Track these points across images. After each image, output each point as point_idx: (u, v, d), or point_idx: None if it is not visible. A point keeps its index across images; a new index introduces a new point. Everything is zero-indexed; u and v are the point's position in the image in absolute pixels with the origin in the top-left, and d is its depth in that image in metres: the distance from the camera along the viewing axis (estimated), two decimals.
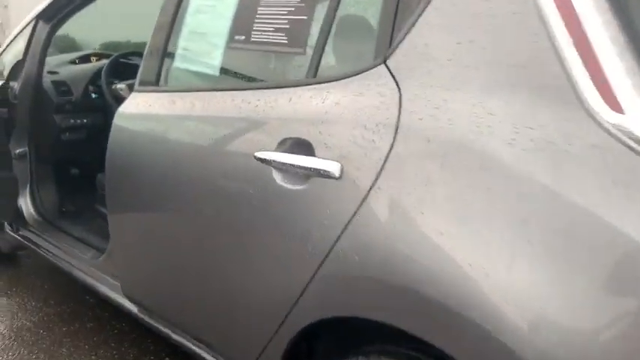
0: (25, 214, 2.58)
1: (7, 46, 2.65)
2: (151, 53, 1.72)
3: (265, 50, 1.47)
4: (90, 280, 2.17)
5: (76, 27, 2.74)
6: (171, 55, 1.69)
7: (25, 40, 2.45)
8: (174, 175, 1.54)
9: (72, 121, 2.63)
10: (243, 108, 1.38)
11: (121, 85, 2.40)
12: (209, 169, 1.44)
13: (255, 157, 1.29)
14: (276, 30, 1.39)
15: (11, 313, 2.48)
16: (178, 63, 1.69)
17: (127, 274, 1.92)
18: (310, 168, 1.18)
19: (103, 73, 2.59)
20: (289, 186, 1.23)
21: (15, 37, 2.57)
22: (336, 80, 1.21)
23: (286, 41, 1.37)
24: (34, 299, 2.60)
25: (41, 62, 2.43)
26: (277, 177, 1.26)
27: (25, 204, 2.60)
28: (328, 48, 1.30)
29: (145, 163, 1.66)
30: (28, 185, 2.62)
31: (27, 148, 2.56)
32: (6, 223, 2.62)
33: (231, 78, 1.63)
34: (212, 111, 1.47)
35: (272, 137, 1.28)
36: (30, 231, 2.56)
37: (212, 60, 1.58)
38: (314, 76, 1.29)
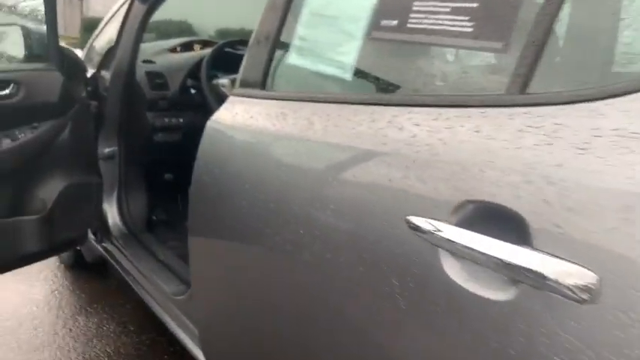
0: (109, 223, 2.25)
1: (102, 29, 2.33)
2: (257, 44, 1.25)
3: (432, 44, 0.93)
4: (167, 319, 1.77)
5: (191, 9, 2.35)
6: (285, 47, 1.20)
7: (119, 23, 2.10)
8: (284, 214, 1.05)
9: (166, 120, 2.25)
10: (389, 136, 0.85)
11: (222, 81, 1.98)
12: (332, 217, 0.93)
13: (407, 222, 0.77)
14: (454, 12, 0.85)
15: (87, 337, 2.15)
16: (294, 59, 1.19)
17: (207, 323, 1.48)
18: (522, 268, 0.64)
19: (203, 64, 2.18)
20: (468, 287, 0.70)
21: (109, 18, 2.24)
22: (584, 100, 0.66)
23: (473, 29, 0.82)
24: (114, 322, 2.27)
25: (135, 49, 2.06)
26: (447, 264, 0.73)
27: (111, 211, 2.27)
28: (556, 41, 0.75)
29: (241, 189, 1.19)
30: (116, 190, 2.28)
31: (116, 148, 2.22)
32: (90, 232, 2.30)
33: (372, 85, 1.11)
34: (339, 134, 0.96)
35: (442, 195, 0.75)
36: (113, 244, 2.22)
37: (343, 56, 1.07)
38: (524, 90, 0.73)
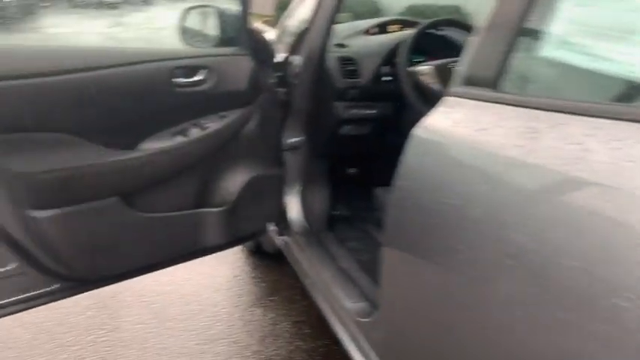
0: (290, 217, 2.13)
1: (294, 8, 2.18)
2: (491, 29, 0.94)
3: None
4: (343, 336, 1.58)
5: None
6: (537, 35, 0.87)
7: (313, 1, 1.92)
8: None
9: (355, 111, 2.04)
10: None
11: (422, 68, 1.69)
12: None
13: None
14: None
15: (261, 335, 2.07)
16: (552, 51, 0.86)
17: (394, 353, 1.26)
18: None
19: (402, 49, 1.90)
20: None
21: None
22: None
23: None
24: (289, 321, 2.17)
25: (327, 32, 1.86)
26: None
27: (292, 205, 2.14)
28: None
29: (460, 212, 0.91)
30: (299, 183, 2.14)
31: (301, 139, 2.07)
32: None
33: None
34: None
35: None
36: (292, 239, 2.10)
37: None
38: None
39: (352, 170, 2.35)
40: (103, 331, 2.05)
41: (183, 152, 1.56)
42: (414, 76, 1.77)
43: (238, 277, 2.51)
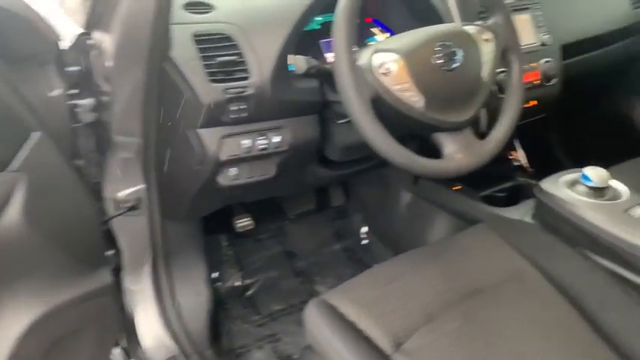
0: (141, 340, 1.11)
1: None
2: None
3: None
4: None
5: None
6: None
7: None
8: None
9: (246, 142, 1.01)
10: None
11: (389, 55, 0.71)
12: None
13: None
14: None
15: None
16: None
17: None
18: None
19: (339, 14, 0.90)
20: None
21: None
22: None
23: None
24: None
25: None
26: None
27: (142, 316, 1.12)
28: None
29: None
30: (147, 268, 1.12)
31: (142, 188, 1.03)
32: None
33: None
34: None
35: None
36: None
37: None
38: None
39: (244, 222, 1.36)
40: None
41: None
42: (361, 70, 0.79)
43: None
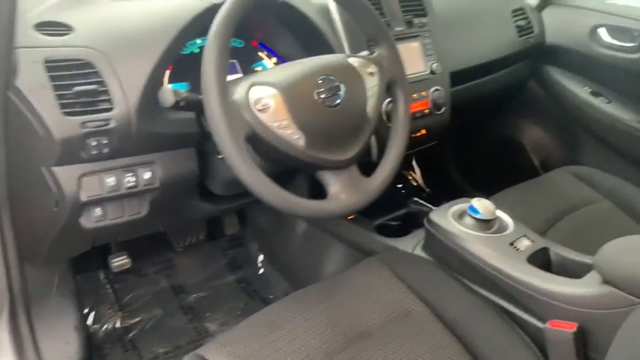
0: None
1: None
2: None
3: None
4: None
5: None
6: None
7: None
8: None
9: (111, 180, 0.90)
10: None
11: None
12: None
13: None
14: None
15: None
16: None
17: None
18: None
19: (219, 26, 0.82)
20: None
21: None
22: None
23: None
24: None
25: None
26: None
27: None
28: None
29: None
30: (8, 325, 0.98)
31: None
32: None
33: None
34: None
35: None
36: None
37: None
38: None
39: (119, 261, 1.25)
40: None
41: None
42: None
43: None
